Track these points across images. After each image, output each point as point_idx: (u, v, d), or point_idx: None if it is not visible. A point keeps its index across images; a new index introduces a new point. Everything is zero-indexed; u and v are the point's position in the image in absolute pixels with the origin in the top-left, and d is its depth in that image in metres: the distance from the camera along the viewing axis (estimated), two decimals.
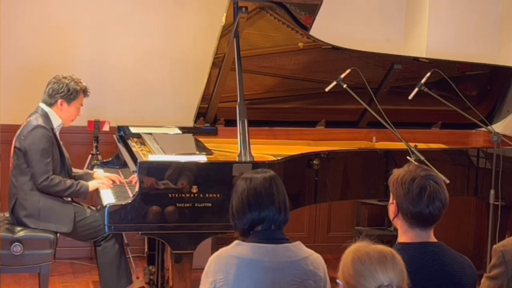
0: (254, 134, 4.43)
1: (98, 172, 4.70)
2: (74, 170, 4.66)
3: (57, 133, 4.47)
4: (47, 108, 4.43)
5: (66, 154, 4.53)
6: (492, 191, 4.59)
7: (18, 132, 4.42)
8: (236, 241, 2.67)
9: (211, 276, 2.62)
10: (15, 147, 4.40)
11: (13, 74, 5.55)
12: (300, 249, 2.69)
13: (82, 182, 4.42)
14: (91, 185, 4.41)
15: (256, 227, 2.68)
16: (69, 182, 4.36)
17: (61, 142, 4.49)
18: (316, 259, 2.70)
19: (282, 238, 2.69)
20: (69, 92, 4.43)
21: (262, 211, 2.66)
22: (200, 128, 5.08)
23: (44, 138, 4.32)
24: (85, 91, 4.50)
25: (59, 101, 4.43)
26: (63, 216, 4.37)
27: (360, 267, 2.05)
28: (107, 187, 4.39)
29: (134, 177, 4.11)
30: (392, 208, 2.61)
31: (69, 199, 4.47)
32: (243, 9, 4.32)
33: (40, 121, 4.36)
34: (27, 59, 5.60)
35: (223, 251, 2.66)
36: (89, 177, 4.59)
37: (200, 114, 5.04)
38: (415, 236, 2.56)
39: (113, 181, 4.47)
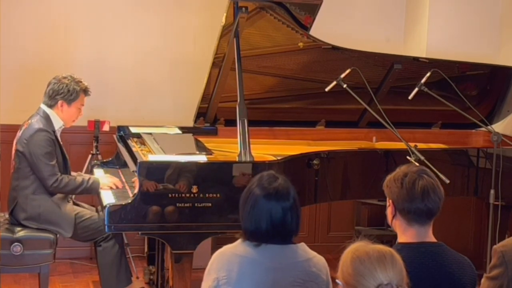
0: (254, 134, 4.43)
1: (98, 173, 4.70)
2: (72, 173, 4.65)
3: (58, 135, 4.45)
4: (48, 110, 4.42)
5: (67, 156, 4.52)
6: (492, 191, 4.59)
7: (19, 134, 4.40)
8: (239, 240, 2.67)
9: (214, 274, 2.62)
10: (16, 150, 4.38)
11: (13, 74, 5.55)
12: (303, 251, 2.68)
13: (92, 177, 4.42)
14: (102, 181, 4.39)
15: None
16: (79, 179, 4.35)
17: (62, 144, 4.48)
18: (319, 261, 2.69)
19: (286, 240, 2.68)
20: (69, 93, 4.40)
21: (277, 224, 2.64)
22: (200, 128, 5.07)
23: (47, 141, 4.30)
24: (85, 91, 4.47)
25: (59, 102, 4.41)
26: (64, 221, 4.35)
27: (360, 267, 2.05)
28: (115, 187, 4.36)
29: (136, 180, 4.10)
30: (389, 210, 2.62)
31: (70, 202, 4.46)
32: (243, 9, 4.32)
33: (41, 124, 4.34)
34: (27, 59, 5.60)
35: (226, 248, 2.66)
36: None
37: (200, 114, 5.03)
38: (414, 235, 2.56)
39: (117, 186, 4.44)
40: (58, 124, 4.43)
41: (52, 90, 4.41)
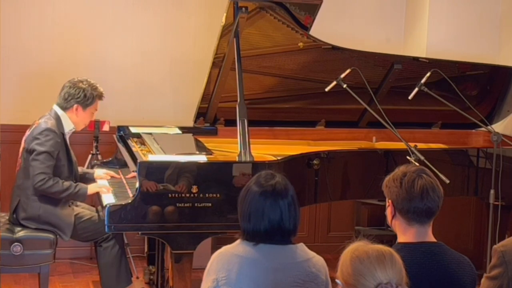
0: (254, 134, 4.43)
1: (98, 171, 4.70)
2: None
3: (67, 138, 4.44)
4: (60, 112, 4.41)
5: (74, 158, 4.50)
6: (492, 191, 4.59)
7: (28, 133, 4.40)
8: (239, 240, 2.66)
9: (213, 274, 2.62)
10: (24, 148, 4.38)
11: (13, 74, 5.55)
12: (303, 251, 2.68)
13: (81, 184, 4.38)
14: (91, 188, 4.37)
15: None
16: (66, 183, 4.31)
17: (70, 147, 4.46)
18: (318, 261, 2.69)
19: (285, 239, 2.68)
20: (85, 98, 4.40)
21: (277, 223, 2.64)
22: (200, 128, 5.07)
23: (51, 141, 4.28)
24: (100, 96, 4.49)
25: (75, 106, 4.40)
26: (63, 224, 4.35)
27: (359, 266, 2.05)
28: (107, 191, 4.35)
29: (133, 174, 4.11)
30: (389, 210, 2.62)
31: (71, 206, 4.45)
32: (243, 9, 4.32)
33: (50, 124, 4.33)
34: (27, 59, 5.60)
35: (226, 249, 2.66)
36: (89, 176, 4.60)
37: (200, 114, 5.04)
38: (414, 235, 2.57)
39: (113, 176, 4.43)
40: (68, 127, 4.43)
41: (67, 93, 4.40)
